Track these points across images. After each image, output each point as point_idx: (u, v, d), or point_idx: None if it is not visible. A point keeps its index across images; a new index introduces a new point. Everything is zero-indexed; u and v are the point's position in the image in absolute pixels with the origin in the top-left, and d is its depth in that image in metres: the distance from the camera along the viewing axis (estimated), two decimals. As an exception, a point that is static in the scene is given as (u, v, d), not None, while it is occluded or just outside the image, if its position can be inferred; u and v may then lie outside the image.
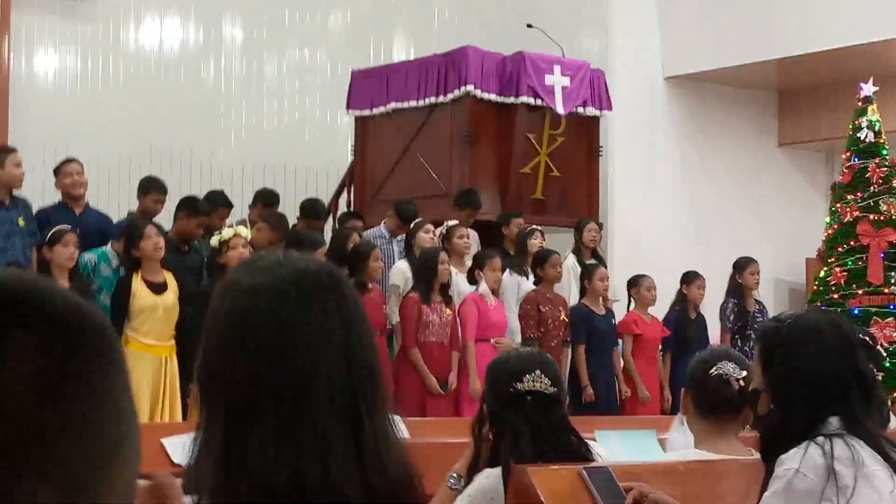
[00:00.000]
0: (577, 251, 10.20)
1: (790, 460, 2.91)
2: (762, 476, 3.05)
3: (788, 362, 3.02)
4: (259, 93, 13.14)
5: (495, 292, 9.04)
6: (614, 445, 4.54)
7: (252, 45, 13.07)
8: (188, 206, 8.94)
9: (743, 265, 10.32)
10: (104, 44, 12.16)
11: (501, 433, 3.47)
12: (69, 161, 9.00)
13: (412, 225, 9.56)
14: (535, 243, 9.70)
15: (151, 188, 9.25)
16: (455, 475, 3.58)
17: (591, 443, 3.64)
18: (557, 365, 3.80)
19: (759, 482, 3.09)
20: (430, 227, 9.50)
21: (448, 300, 8.81)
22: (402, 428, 4.86)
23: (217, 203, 9.58)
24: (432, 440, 4.92)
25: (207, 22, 12.80)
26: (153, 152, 11.98)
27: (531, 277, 9.54)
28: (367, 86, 11.52)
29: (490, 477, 3.41)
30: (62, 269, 7.58)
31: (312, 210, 10.32)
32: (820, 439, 2.92)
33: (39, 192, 9.18)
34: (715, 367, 3.69)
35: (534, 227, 9.92)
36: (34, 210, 8.65)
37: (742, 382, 3.63)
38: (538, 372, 3.50)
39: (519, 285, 9.52)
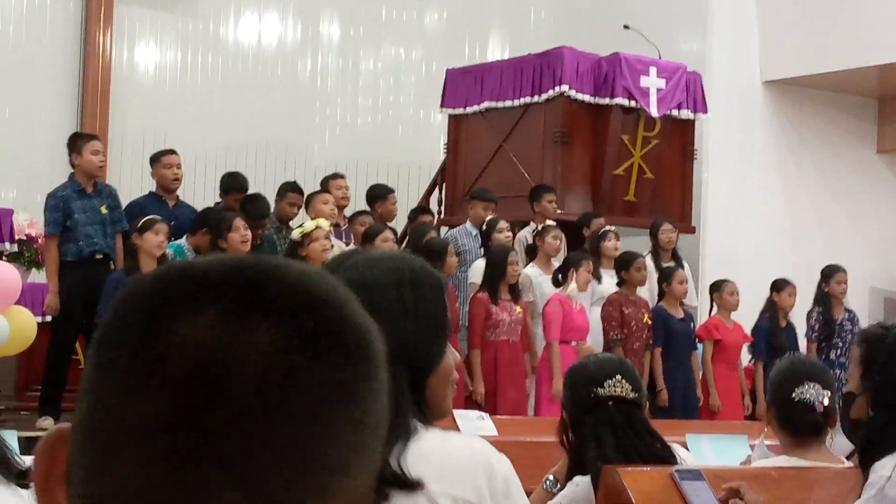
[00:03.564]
0: (655, 253, 10.10)
1: (882, 468, 2.90)
2: (857, 483, 3.02)
3: (893, 372, 2.99)
4: (354, 90, 13.23)
5: (584, 292, 9.02)
6: (705, 449, 4.51)
7: (349, 43, 13.17)
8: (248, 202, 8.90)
9: (828, 274, 10.18)
10: (204, 39, 12.33)
11: (583, 439, 3.46)
12: (171, 152, 9.03)
13: (485, 225, 9.53)
14: (609, 245, 9.60)
15: (231, 188, 9.32)
16: (552, 478, 3.58)
17: (674, 447, 3.62)
18: (637, 369, 3.79)
19: (852, 490, 3.06)
20: (505, 224, 9.48)
21: (517, 297, 8.78)
22: (489, 425, 4.86)
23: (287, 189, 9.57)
24: (524, 438, 4.93)
25: (305, 19, 12.92)
26: (249, 147, 12.12)
27: (604, 280, 9.46)
28: (461, 84, 11.54)
29: (580, 485, 3.41)
30: (150, 256, 7.63)
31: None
32: None
33: (138, 183, 9.31)
34: (798, 390, 3.63)
35: (608, 228, 9.81)
36: (127, 201, 8.73)
37: (826, 403, 3.59)
38: (618, 377, 3.48)
39: (593, 287, 9.43)
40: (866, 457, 3.02)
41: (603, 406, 3.46)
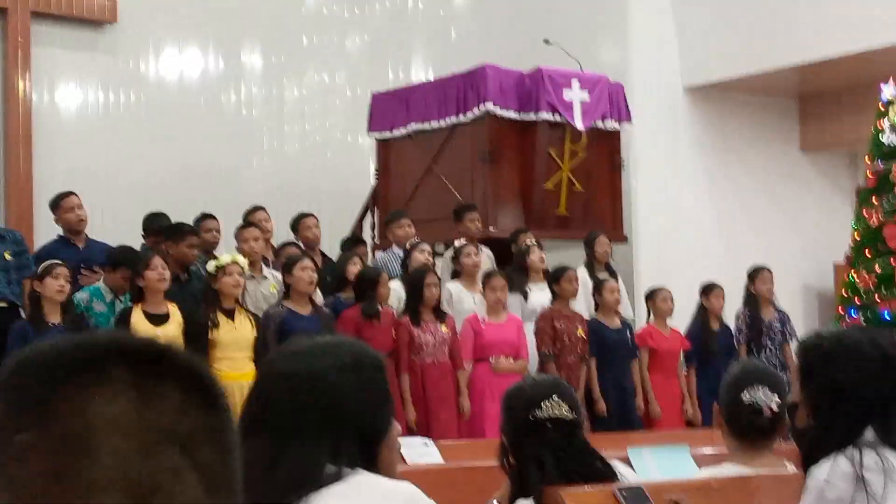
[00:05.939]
0: (590, 265, 10.14)
1: (820, 471, 2.96)
2: (799, 489, 3.06)
3: (829, 378, 3.04)
4: (280, 117, 13.19)
5: (495, 311, 8.97)
6: (648, 462, 4.52)
7: (272, 71, 13.14)
8: (171, 232, 8.83)
9: (754, 274, 10.29)
10: (125, 76, 12.23)
11: (524, 462, 3.46)
12: (69, 195, 8.92)
13: (408, 245, 9.54)
14: (535, 259, 9.61)
15: (152, 230, 9.20)
16: (495, 503, 3.57)
17: (615, 463, 3.63)
18: (573, 383, 3.81)
19: (793, 496, 3.10)
20: (426, 247, 9.46)
21: (442, 317, 8.74)
22: (433, 451, 4.86)
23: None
24: (467, 464, 4.92)
25: (227, 50, 12.87)
26: (177, 181, 12.03)
27: (534, 295, 9.47)
28: (387, 108, 11.55)
29: (523, 509, 3.40)
30: (53, 302, 7.52)
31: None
32: (849, 450, 2.96)
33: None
34: (747, 392, 3.66)
35: (530, 242, 9.82)
36: (36, 244, 8.58)
37: (774, 408, 3.62)
38: (556, 397, 3.48)
39: (522, 304, 9.44)
40: (808, 464, 3.06)
41: (542, 428, 3.46)
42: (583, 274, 9.85)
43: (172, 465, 0.85)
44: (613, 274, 10.05)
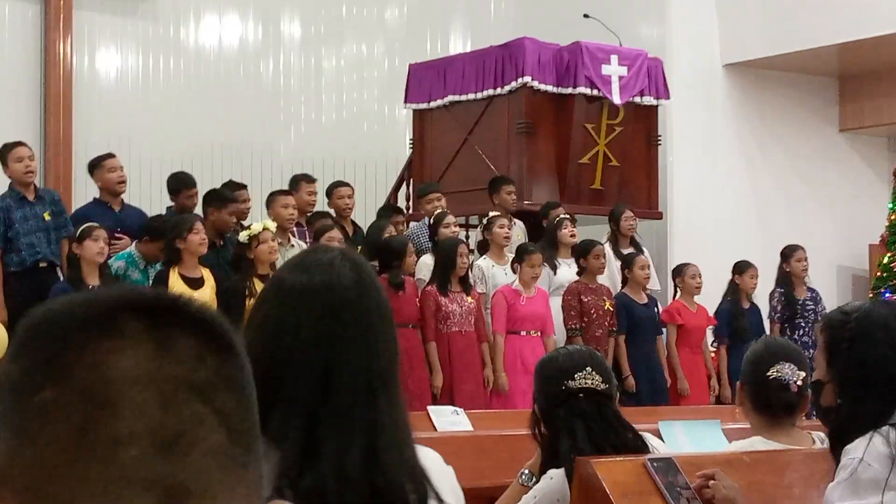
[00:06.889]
0: (614, 240, 10.11)
1: (855, 450, 2.92)
2: (830, 466, 3.05)
3: (857, 356, 3.01)
4: (317, 87, 13.22)
5: (528, 286, 8.93)
6: (678, 436, 4.54)
7: (310, 41, 13.16)
8: (213, 198, 8.85)
9: (788, 253, 10.23)
10: (165, 42, 12.29)
11: (556, 432, 3.48)
12: (110, 156, 8.93)
13: (431, 219, 9.55)
14: (565, 233, 9.59)
15: (181, 187, 9.23)
16: (527, 472, 3.60)
17: (646, 435, 3.65)
18: (605, 359, 3.82)
19: (824, 471, 3.10)
20: (451, 219, 9.45)
21: (468, 289, 8.77)
22: (463, 420, 4.89)
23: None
24: (498, 433, 4.96)
25: (266, 18, 12.90)
26: (214, 149, 12.09)
27: (562, 269, 9.47)
28: (424, 79, 11.55)
29: (554, 478, 3.43)
30: (91, 264, 7.54)
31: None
32: (885, 429, 2.92)
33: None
34: (773, 369, 3.67)
35: (563, 216, 9.81)
36: (73, 207, 8.60)
37: (800, 384, 3.63)
38: (589, 369, 3.50)
39: (550, 278, 9.42)
40: (835, 443, 3.05)
41: (574, 398, 3.49)
42: (607, 249, 9.82)
43: (194, 413, 0.86)
44: (639, 248, 10.03)
